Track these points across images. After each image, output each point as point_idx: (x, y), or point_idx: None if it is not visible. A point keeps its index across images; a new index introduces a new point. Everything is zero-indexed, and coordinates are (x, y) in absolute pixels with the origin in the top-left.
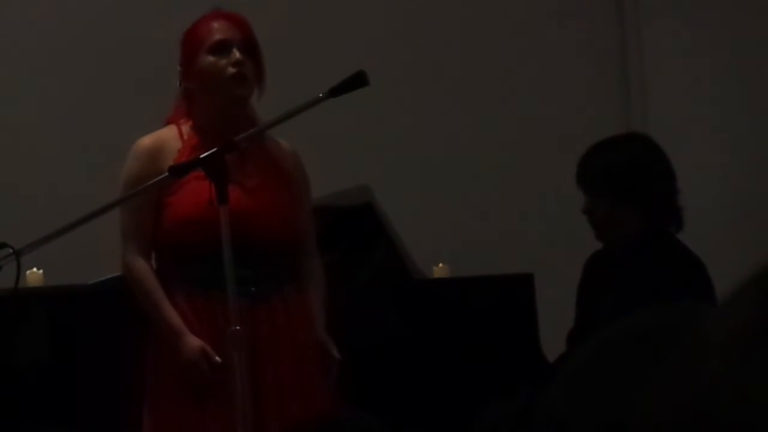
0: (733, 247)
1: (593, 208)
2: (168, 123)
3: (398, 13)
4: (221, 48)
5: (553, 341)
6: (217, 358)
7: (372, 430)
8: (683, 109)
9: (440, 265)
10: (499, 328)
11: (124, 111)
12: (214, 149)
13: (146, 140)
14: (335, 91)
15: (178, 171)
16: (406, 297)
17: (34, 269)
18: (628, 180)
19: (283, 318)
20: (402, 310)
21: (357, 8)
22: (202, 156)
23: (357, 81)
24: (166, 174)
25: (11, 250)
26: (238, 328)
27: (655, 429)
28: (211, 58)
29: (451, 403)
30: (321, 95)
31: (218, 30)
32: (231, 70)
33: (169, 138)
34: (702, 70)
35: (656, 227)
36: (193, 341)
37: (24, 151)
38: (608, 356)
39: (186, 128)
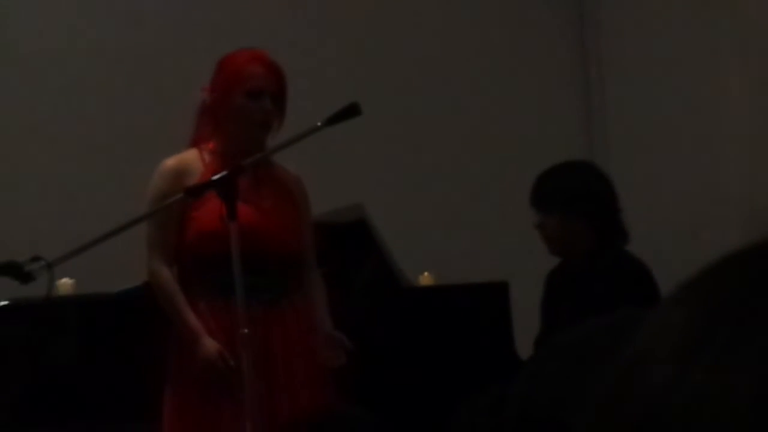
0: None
1: (545, 223)
2: (192, 144)
3: (382, 36)
4: (256, 95)
5: (527, 343)
6: (231, 361)
7: (364, 422)
8: (644, 126)
9: (425, 273)
10: (478, 331)
11: (154, 129)
12: (225, 172)
13: (171, 161)
14: (331, 121)
15: (193, 192)
16: (395, 303)
17: (66, 279)
18: (575, 198)
19: (293, 321)
20: (391, 314)
21: (347, 33)
22: (214, 178)
23: (351, 111)
24: (183, 194)
25: (45, 263)
26: (246, 331)
27: None
28: (244, 101)
29: (435, 399)
30: (318, 124)
31: (258, 77)
32: (259, 117)
33: (192, 160)
34: (661, 80)
35: (605, 241)
36: (210, 343)
37: (58, 170)
38: (557, 359)
39: (206, 153)
